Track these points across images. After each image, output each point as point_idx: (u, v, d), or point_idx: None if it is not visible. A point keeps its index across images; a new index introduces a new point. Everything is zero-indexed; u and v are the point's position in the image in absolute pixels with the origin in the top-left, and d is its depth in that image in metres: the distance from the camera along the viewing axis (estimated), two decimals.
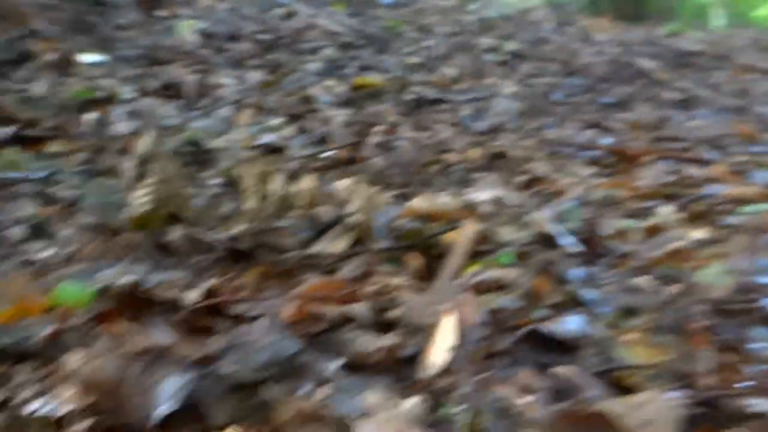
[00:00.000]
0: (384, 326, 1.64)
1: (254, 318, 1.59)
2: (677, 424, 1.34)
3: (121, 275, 1.63)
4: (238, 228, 2.21)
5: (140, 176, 2.30)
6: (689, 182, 3.42)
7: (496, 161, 3.51)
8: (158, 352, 1.27)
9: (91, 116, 3.37)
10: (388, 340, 1.52)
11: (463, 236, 2.12)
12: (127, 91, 3.84)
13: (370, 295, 1.75)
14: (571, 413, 1.30)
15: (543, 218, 2.45)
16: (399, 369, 1.50)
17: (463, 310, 1.65)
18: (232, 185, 2.43)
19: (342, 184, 2.40)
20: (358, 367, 1.44)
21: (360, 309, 1.66)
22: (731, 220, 2.90)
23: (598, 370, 1.57)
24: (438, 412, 1.37)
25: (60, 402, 1.14)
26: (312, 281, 1.78)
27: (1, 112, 3.10)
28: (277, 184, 2.22)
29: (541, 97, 5.34)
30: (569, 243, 2.35)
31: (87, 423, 1.10)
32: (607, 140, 4.40)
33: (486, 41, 6.84)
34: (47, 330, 1.32)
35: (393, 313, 1.69)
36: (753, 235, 2.66)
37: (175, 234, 2.12)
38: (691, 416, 1.39)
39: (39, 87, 3.79)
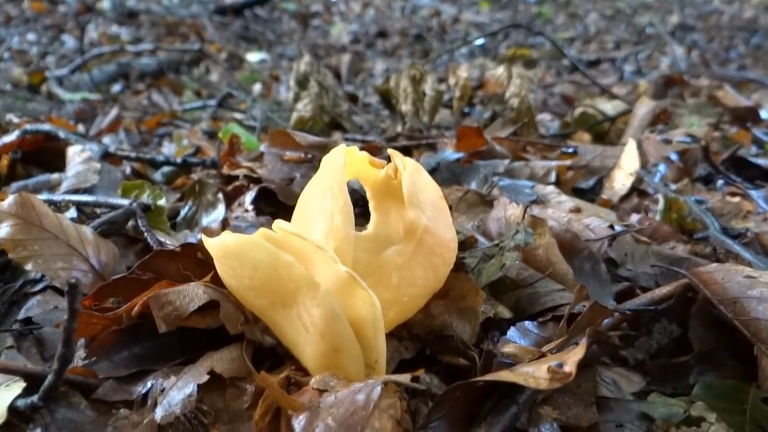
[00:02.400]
0: None
1: None
2: None
3: None
4: (394, 130, 2.17)
5: (299, 95, 2.35)
6: None
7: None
8: (317, 149, 1.23)
9: (256, 87, 3.60)
10: (553, 163, 1.37)
11: (641, 111, 1.92)
12: (285, 77, 4.07)
13: (541, 148, 1.60)
14: None
15: None
16: (578, 197, 1.34)
17: (646, 145, 1.45)
18: (385, 99, 2.41)
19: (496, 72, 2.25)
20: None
21: (532, 157, 1.52)
22: None
23: None
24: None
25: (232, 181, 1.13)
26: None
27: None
28: (429, 84, 2.16)
29: (713, 54, 4.89)
30: None
31: (253, 191, 1.08)
32: None
33: (644, 19, 6.46)
34: None
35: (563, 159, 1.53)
36: None
37: (336, 136, 2.13)
38: None
39: (213, 77, 4.15)
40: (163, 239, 0.90)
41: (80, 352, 0.67)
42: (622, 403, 0.71)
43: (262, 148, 1.33)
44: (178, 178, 1.34)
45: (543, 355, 0.64)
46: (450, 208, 1.15)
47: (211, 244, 0.63)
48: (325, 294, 0.61)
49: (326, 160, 0.78)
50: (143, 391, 0.62)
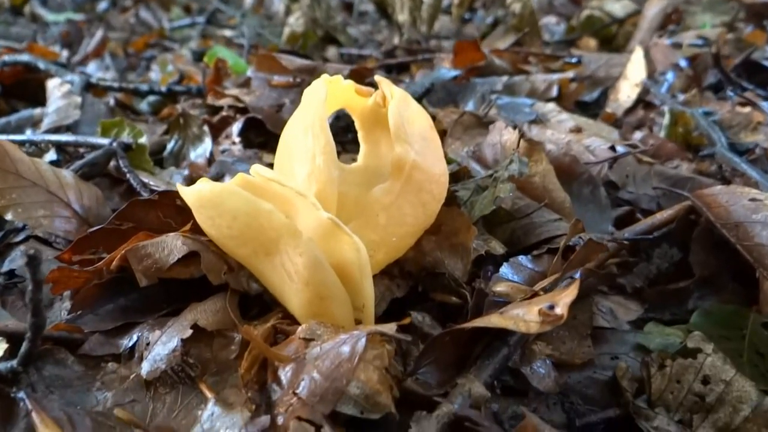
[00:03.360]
0: None
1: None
2: None
3: None
4: (391, 43, 2.08)
5: (290, 8, 2.24)
6: None
7: None
8: (306, 73, 1.17)
9: (247, 0, 3.43)
10: (555, 76, 1.30)
11: (651, 12, 1.81)
12: None
13: (543, 58, 1.53)
14: None
15: None
16: (582, 111, 1.28)
17: (654, 52, 1.38)
18: (381, 8, 2.29)
19: None
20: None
21: (533, 69, 1.45)
22: None
23: None
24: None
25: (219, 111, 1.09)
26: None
27: None
28: None
29: None
30: None
31: (240, 121, 1.04)
32: None
33: None
34: None
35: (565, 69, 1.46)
36: None
37: (331, 52, 2.04)
38: None
39: None
40: (146, 180, 0.87)
41: (66, 303, 0.66)
42: (617, 333, 0.70)
43: (249, 73, 1.27)
44: (164, 107, 1.29)
45: (535, 294, 0.62)
46: (444, 132, 1.10)
47: (187, 194, 0.60)
48: (307, 242, 0.59)
49: (307, 94, 0.73)
50: (129, 345, 0.61)
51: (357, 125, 0.85)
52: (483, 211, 0.74)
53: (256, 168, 0.63)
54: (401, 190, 0.69)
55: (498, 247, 0.71)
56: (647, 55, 1.32)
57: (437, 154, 0.74)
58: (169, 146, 1.07)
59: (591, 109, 1.32)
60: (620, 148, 0.93)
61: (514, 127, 0.88)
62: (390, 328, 0.54)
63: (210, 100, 1.14)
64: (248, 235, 0.61)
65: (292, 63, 1.18)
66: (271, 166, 1.07)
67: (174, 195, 0.68)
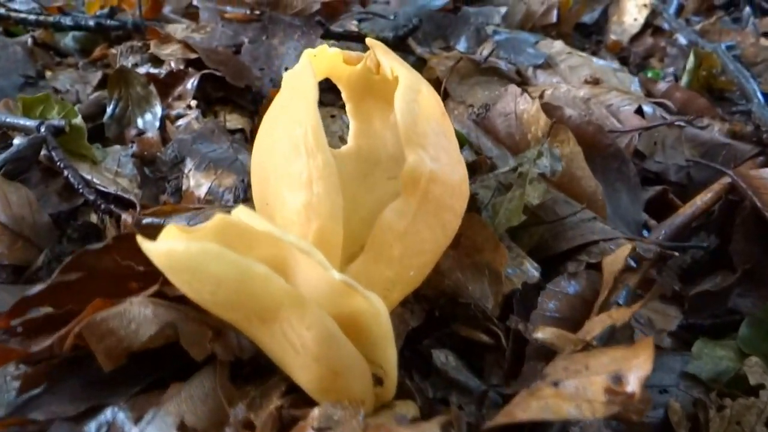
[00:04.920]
0: None
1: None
2: None
3: None
4: None
5: None
6: None
7: None
8: (268, 6, 0.98)
9: None
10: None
11: None
12: None
13: None
14: None
15: None
16: (584, 37, 1.13)
17: None
18: None
19: None
20: (532, 30, 1.09)
21: None
22: None
23: None
24: (645, 74, 1.01)
25: (169, 62, 0.90)
26: None
27: None
28: None
29: None
30: None
31: (195, 77, 0.86)
32: None
33: None
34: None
35: None
36: None
37: None
38: None
39: None
40: (89, 176, 0.71)
41: (13, 382, 0.53)
42: (662, 356, 0.62)
43: (196, 2, 1.06)
44: (95, 46, 1.08)
45: (587, 345, 0.52)
46: (438, 83, 0.95)
47: (155, 256, 0.46)
48: (316, 314, 0.46)
49: (289, 86, 0.58)
50: None
51: (344, 96, 0.70)
52: (510, 221, 0.62)
53: (241, 214, 0.48)
54: (417, 211, 0.56)
55: (532, 270, 0.60)
56: None
57: (454, 153, 0.60)
58: (109, 110, 0.89)
59: (593, 34, 1.17)
60: (647, 109, 0.81)
61: (531, 96, 0.74)
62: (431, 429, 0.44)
63: (153, 48, 0.94)
64: (238, 302, 0.48)
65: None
66: (235, 133, 0.91)
67: (133, 238, 0.54)
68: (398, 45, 0.97)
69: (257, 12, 1.01)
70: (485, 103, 0.82)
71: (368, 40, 0.64)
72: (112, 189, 0.70)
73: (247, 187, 0.74)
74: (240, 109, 0.92)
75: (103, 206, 0.69)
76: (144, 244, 0.47)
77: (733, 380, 0.58)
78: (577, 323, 0.58)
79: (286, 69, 0.96)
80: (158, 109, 0.86)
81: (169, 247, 0.45)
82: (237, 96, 0.94)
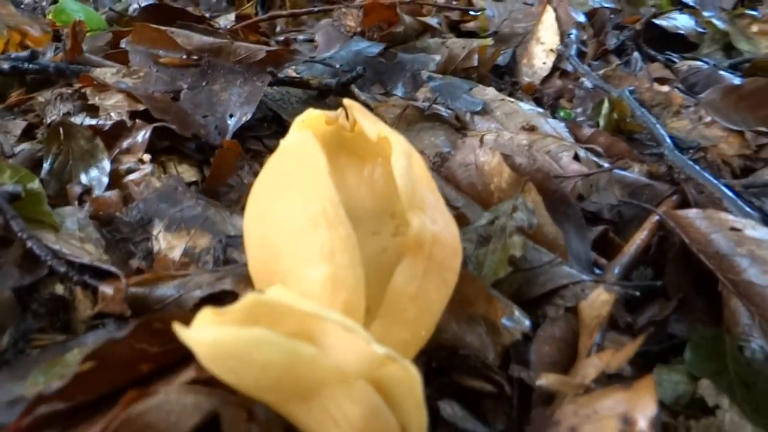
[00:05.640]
0: (467, 35, 1.34)
1: (310, 40, 1.26)
2: None
3: (132, 1, 1.27)
4: None
5: None
6: None
7: None
8: (210, 54, 0.96)
9: None
10: (475, 43, 1.21)
11: None
12: None
13: (442, 7, 1.41)
14: (737, 88, 1.04)
15: None
16: (499, 78, 1.22)
17: (559, 9, 1.33)
18: None
19: None
20: (454, 73, 1.15)
21: (434, 20, 1.33)
22: None
23: (730, 63, 1.30)
24: (557, 114, 1.11)
25: (107, 114, 0.85)
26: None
27: None
28: None
29: None
30: None
31: (147, 130, 0.83)
32: None
33: None
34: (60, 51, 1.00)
35: (470, 25, 1.37)
36: None
37: None
38: None
39: None
40: (56, 246, 0.67)
41: None
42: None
43: (124, 45, 1.01)
44: (9, 90, 1.00)
45: (588, 389, 0.58)
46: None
47: (197, 343, 0.45)
48: (362, 389, 0.48)
49: (292, 154, 0.59)
50: None
51: None
52: (497, 273, 0.67)
53: (278, 294, 0.49)
54: (425, 272, 0.59)
55: (524, 319, 0.65)
56: (558, 19, 1.27)
57: (446, 213, 0.64)
58: (47, 165, 0.83)
59: (505, 74, 1.26)
60: (582, 153, 0.90)
61: (491, 149, 0.80)
62: None
63: (91, 96, 0.89)
64: (282, 384, 0.48)
65: (189, 40, 0.95)
66: (189, 186, 0.89)
67: (153, 322, 0.52)
68: (341, 91, 0.99)
69: (195, 57, 0.99)
70: (439, 152, 0.87)
71: (345, 101, 0.66)
72: (85, 259, 0.66)
73: (225, 248, 0.73)
74: (188, 160, 0.90)
75: (76, 278, 0.65)
76: (184, 333, 0.46)
77: (691, 402, 0.67)
78: (566, 366, 0.64)
79: (231, 116, 0.95)
80: (106, 164, 0.82)
81: (216, 335, 0.45)
82: (182, 145, 0.91)
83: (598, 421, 0.53)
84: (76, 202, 0.79)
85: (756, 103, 1.03)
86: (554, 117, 1.04)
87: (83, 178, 0.82)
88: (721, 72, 1.24)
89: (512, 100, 1.02)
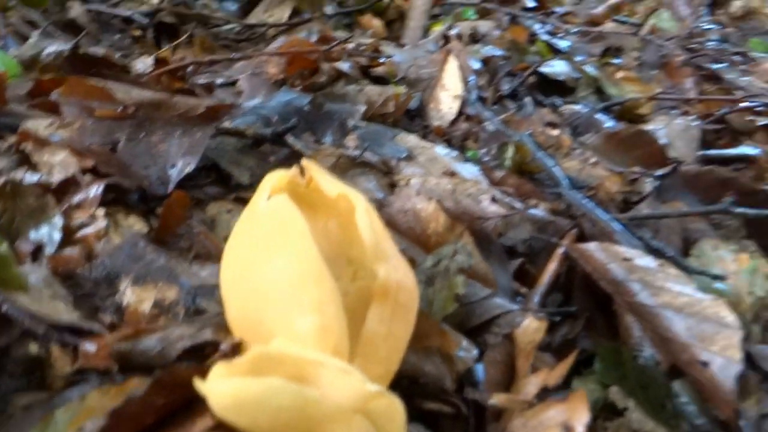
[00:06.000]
0: (377, 80, 1.45)
1: (230, 84, 1.32)
2: (698, 138, 1.34)
3: (43, 46, 1.26)
4: (150, 3, 1.82)
5: None
6: None
7: None
8: (149, 109, 1.00)
9: None
10: (390, 89, 1.33)
11: None
12: None
13: (351, 53, 1.52)
14: (615, 134, 1.23)
15: None
16: (410, 120, 1.34)
17: (459, 58, 1.48)
18: None
19: None
20: (372, 118, 1.26)
21: (346, 65, 1.43)
22: None
23: (602, 106, 1.52)
24: (466, 154, 1.25)
25: (53, 169, 0.87)
26: (282, 42, 1.50)
27: None
28: None
29: None
30: None
31: (98, 185, 0.85)
32: None
33: None
34: None
35: (379, 70, 1.49)
36: None
37: (77, 10, 1.70)
38: (705, 132, 1.39)
39: None
40: (30, 307, 0.69)
41: None
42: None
43: (54, 97, 1.02)
44: None
45: (531, 404, 0.70)
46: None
47: (217, 396, 0.51)
48: (361, 423, 0.56)
49: (274, 217, 0.66)
50: None
51: None
52: (445, 309, 0.77)
53: (281, 345, 0.56)
54: (392, 315, 0.68)
55: (472, 348, 0.75)
56: (462, 68, 1.41)
57: (403, 260, 0.74)
58: None
59: (416, 116, 1.38)
60: (498, 195, 1.03)
61: (387, 173, 0.90)
62: None
63: (33, 151, 0.89)
64: (292, 425, 0.55)
65: (128, 95, 0.98)
66: (145, 238, 0.92)
67: (165, 377, 0.56)
68: (276, 140, 1.06)
69: (132, 109, 1.02)
70: (373, 197, 0.96)
71: (304, 161, 0.74)
72: (63, 317, 0.69)
73: (194, 298, 0.78)
74: (134, 210, 0.93)
75: (55, 337, 0.67)
76: (204, 387, 0.52)
77: (604, 406, 0.80)
78: (508, 385, 0.75)
79: (173, 166, 0.99)
80: (58, 221, 0.84)
81: (236, 387, 0.52)
82: (125, 196, 0.94)
83: (543, 431, 0.64)
84: (29, 260, 0.80)
85: (630, 146, 1.23)
86: (465, 158, 1.17)
87: (32, 235, 0.83)
88: (597, 115, 1.44)
89: (431, 145, 1.14)
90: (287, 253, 0.63)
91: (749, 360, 0.87)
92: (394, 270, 0.69)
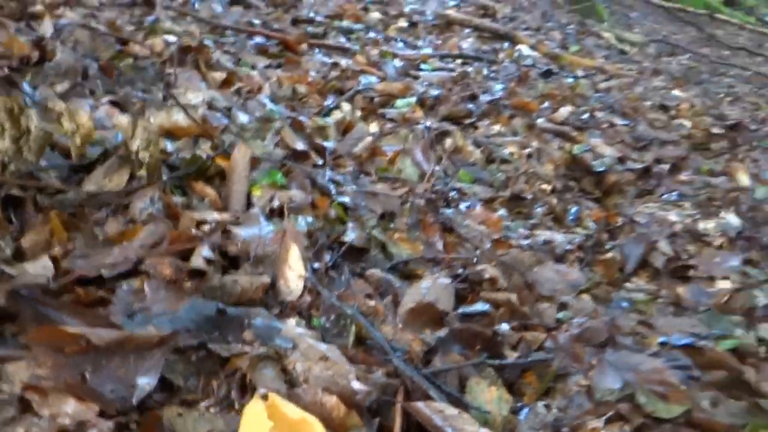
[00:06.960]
0: (232, 261, 1.87)
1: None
2: (452, 297, 2.04)
3: None
4: None
5: None
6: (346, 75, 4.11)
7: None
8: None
9: None
10: (258, 278, 1.77)
11: (238, 160, 2.32)
12: None
13: (203, 234, 1.90)
14: (412, 309, 1.85)
15: (284, 130, 2.77)
16: (266, 294, 1.79)
17: (292, 236, 1.97)
18: None
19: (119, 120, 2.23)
20: (243, 304, 1.68)
21: (206, 252, 1.83)
22: (391, 113, 3.72)
23: (389, 265, 2.14)
24: (312, 324, 1.75)
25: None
26: (147, 233, 1.81)
27: None
28: (33, 121, 1.99)
29: None
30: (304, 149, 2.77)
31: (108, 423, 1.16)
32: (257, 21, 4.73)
33: None
34: None
35: (233, 249, 1.90)
36: (409, 127, 3.52)
37: None
38: (458, 289, 2.10)
39: None
40: None
41: None
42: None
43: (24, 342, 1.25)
44: None
45: None
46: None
47: None
48: None
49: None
50: None
51: None
52: None
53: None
54: None
55: None
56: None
57: None
58: None
59: (270, 291, 1.84)
60: (354, 371, 1.56)
61: None
62: None
63: (37, 405, 1.15)
64: None
65: (99, 337, 1.25)
66: None
67: None
68: (198, 346, 1.44)
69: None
70: (281, 392, 1.42)
71: (270, 395, 1.20)
72: None
73: None
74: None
75: None
76: None
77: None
78: None
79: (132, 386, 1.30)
80: None
81: None
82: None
83: None
84: None
85: (420, 313, 1.86)
86: (322, 335, 1.68)
87: None
88: (387, 276, 2.06)
89: (306, 332, 1.61)
90: None
91: None
92: None
